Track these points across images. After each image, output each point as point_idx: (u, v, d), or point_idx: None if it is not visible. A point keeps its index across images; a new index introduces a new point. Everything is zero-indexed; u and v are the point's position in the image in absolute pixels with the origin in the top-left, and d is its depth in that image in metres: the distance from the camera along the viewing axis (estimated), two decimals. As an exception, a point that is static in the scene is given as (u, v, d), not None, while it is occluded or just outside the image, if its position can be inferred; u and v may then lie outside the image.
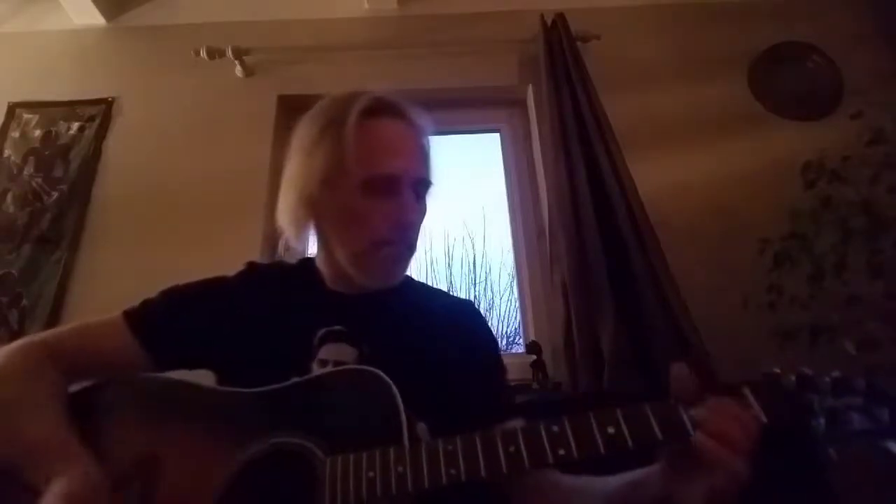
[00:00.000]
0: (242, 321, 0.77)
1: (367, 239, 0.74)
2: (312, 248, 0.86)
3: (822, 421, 0.55)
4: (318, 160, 0.75)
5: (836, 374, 0.57)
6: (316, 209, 0.77)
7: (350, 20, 2.05)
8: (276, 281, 0.84)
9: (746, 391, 0.57)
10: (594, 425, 0.56)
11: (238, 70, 1.93)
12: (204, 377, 0.75)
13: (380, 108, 0.77)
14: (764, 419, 0.55)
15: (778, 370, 0.59)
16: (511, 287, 1.91)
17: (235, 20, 2.04)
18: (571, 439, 0.56)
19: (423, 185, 0.79)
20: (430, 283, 1.08)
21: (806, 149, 1.47)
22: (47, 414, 0.68)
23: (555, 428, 0.57)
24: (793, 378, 0.58)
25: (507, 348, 1.88)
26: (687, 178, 1.75)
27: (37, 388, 0.69)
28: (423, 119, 0.81)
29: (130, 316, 0.77)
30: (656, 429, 0.55)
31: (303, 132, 0.80)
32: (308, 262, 0.86)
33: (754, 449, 0.54)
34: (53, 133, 1.89)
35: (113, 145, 1.87)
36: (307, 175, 0.76)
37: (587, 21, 1.91)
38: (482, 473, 0.55)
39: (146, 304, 0.80)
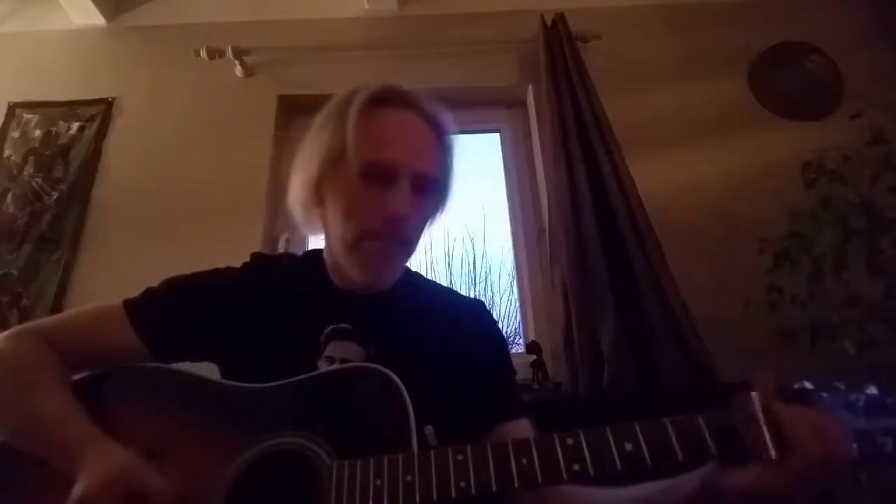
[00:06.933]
0: (247, 314, 0.76)
1: (357, 228, 0.72)
2: (316, 243, 0.85)
3: (854, 446, 0.49)
4: (322, 142, 0.74)
5: (871, 390, 0.52)
6: (320, 192, 0.76)
7: (350, 20, 2.05)
8: (283, 273, 0.83)
9: None
10: (611, 440, 0.53)
11: (238, 70, 1.93)
12: (207, 369, 0.75)
13: (389, 98, 0.75)
14: None
15: (809, 385, 0.54)
16: (511, 287, 1.92)
17: (235, 20, 2.04)
18: (587, 454, 0.53)
19: (426, 180, 0.74)
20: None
21: (806, 149, 1.47)
22: (58, 394, 0.67)
23: (569, 440, 0.54)
24: (824, 395, 0.53)
25: (507, 348, 1.87)
26: (687, 178, 1.75)
27: (41, 370, 0.69)
28: (439, 113, 0.77)
29: (130, 306, 0.76)
30: (677, 448, 0.52)
31: (315, 120, 0.79)
32: (315, 256, 0.84)
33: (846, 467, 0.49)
34: (53, 133, 1.89)
35: (113, 145, 1.87)
36: (311, 158, 0.76)
37: (587, 21, 1.91)
38: (493, 487, 0.53)
39: (147, 294, 0.79)
